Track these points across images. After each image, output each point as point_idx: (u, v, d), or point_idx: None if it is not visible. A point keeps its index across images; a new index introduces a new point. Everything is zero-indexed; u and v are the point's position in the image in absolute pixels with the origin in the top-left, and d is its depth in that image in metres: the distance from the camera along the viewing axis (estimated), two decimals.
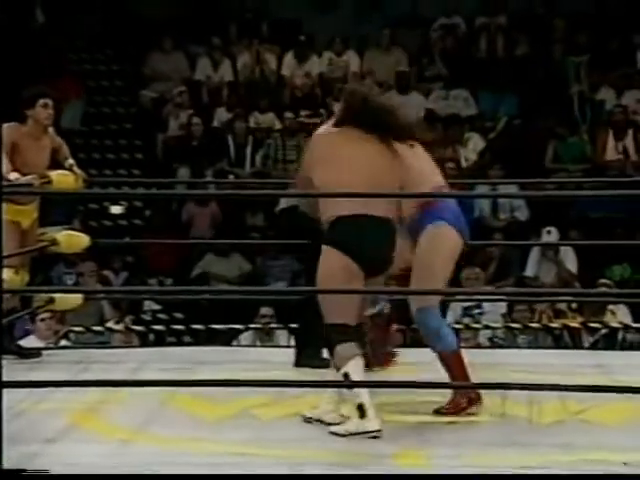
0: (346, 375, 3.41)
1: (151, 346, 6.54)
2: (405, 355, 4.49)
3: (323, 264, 3.44)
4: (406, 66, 9.65)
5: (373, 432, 3.40)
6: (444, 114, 9.24)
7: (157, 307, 7.96)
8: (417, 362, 4.08)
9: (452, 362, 3.66)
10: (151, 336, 7.15)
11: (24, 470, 3.00)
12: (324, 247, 3.47)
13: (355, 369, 3.41)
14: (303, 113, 9.48)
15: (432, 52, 9.83)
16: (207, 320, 6.92)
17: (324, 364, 3.91)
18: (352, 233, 3.43)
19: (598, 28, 9.58)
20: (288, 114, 9.18)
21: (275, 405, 3.80)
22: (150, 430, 3.58)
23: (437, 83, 9.56)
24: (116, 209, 8.90)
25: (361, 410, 3.39)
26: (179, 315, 7.86)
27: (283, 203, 4.70)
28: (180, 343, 6.99)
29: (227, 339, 7.03)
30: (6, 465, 3.01)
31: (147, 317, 7.83)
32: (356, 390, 3.40)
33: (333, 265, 3.42)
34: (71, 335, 6.75)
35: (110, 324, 7.15)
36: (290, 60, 9.76)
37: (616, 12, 9.64)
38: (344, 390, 3.49)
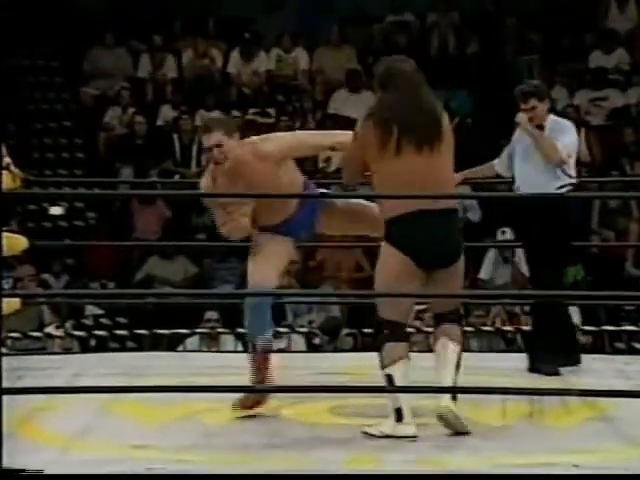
0: (389, 377, 3.49)
1: (93, 352, 6.49)
2: (357, 359, 4.52)
3: (382, 260, 3.54)
4: (356, 64, 9.68)
5: (409, 437, 3.46)
6: None
7: (99, 312, 7.89)
8: (369, 366, 4.09)
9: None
10: (93, 342, 7.09)
11: (23, 470, 2.99)
12: (383, 244, 3.55)
13: (400, 373, 3.49)
14: (251, 111, 9.52)
15: (383, 49, 9.87)
16: (151, 325, 6.88)
17: (554, 371, 4.35)
18: (409, 231, 3.50)
19: (550, 27, 9.70)
20: (235, 112, 9.17)
21: (220, 411, 3.78)
22: (90, 437, 3.55)
23: None
24: (56, 210, 8.80)
25: (399, 414, 3.46)
26: (122, 320, 7.80)
27: None
28: (123, 349, 6.93)
29: (172, 344, 6.99)
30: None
31: (89, 322, 7.76)
32: (395, 394, 3.47)
33: (390, 262, 3.50)
34: (7, 341, 6.66)
35: (50, 329, 7.07)
36: (237, 57, 9.73)
37: (567, 11, 9.78)
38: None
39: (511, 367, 4.62)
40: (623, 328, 6.82)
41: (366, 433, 3.52)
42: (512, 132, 4.75)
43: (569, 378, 4.42)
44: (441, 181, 3.55)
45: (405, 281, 3.49)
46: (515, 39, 9.74)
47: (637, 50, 9.64)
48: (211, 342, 6.92)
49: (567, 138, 4.66)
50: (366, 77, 9.61)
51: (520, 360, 4.72)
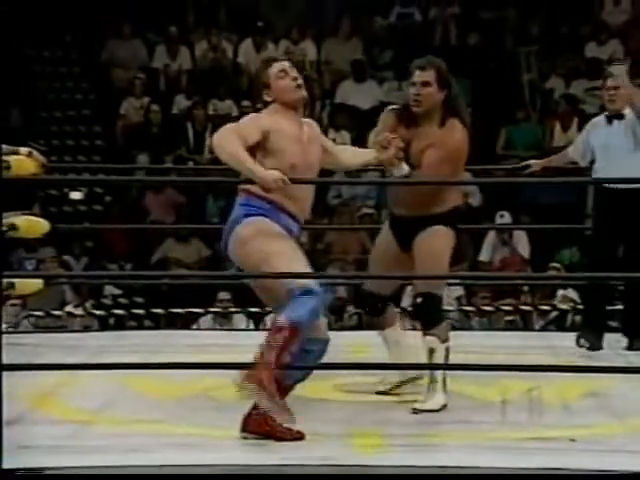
0: (448, 350, 3.60)
1: (111, 330, 6.50)
2: (361, 337, 4.51)
3: (445, 245, 3.66)
4: (362, 55, 9.66)
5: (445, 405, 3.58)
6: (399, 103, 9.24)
7: (117, 292, 7.90)
8: (373, 344, 4.08)
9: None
10: (111, 320, 7.10)
11: (21, 469, 2.97)
12: (447, 230, 3.67)
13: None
14: None
15: (388, 41, 9.85)
16: (167, 304, 6.88)
17: None
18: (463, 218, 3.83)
19: (548, 18, 9.65)
20: (245, 101, 9.16)
21: (231, 387, 3.77)
22: (110, 412, 3.55)
23: (391, 72, 9.59)
24: (76, 195, 8.81)
25: (444, 384, 3.57)
26: (139, 299, 7.80)
27: None
28: (140, 327, 6.94)
29: (186, 323, 6.99)
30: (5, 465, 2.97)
31: (108, 301, 7.77)
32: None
33: (450, 245, 3.69)
34: (30, 319, 6.68)
35: (70, 308, 7.08)
36: (247, 48, 9.72)
37: (565, 3, 9.73)
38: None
39: (510, 345, 4.62)
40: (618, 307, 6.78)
41: (418, 410, 3.54)
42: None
43: (566, 356, 4.42)
44: None
45: None
46: (515, 31, 9.70)
47: (630, 41, 9.59)
48: (223, 321, 6.92)
49: None
50: (370, 68, 9.60)
51: (508, 338, 4.73)
